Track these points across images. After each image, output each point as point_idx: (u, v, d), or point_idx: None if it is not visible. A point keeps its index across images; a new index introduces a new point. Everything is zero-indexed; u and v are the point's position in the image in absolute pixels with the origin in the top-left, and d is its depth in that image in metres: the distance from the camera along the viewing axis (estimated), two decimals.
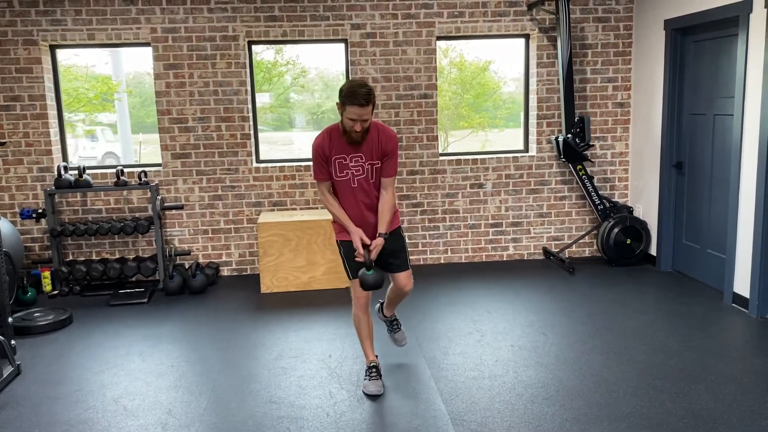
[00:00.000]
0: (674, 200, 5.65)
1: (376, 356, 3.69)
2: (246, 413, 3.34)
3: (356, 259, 3.39)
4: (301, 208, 6.02)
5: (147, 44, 5.71)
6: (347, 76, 6.02)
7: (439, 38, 5.96)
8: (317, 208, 6.01)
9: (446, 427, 3.14)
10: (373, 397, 3.49)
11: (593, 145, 6.09)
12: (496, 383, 3.60)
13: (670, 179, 5.63)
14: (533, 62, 6.08)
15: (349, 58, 5.86)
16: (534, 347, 4.10)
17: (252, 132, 5.94)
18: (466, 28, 5.91)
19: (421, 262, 6.21)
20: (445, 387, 3.57)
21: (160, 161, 5.91)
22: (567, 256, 6.12)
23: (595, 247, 6.33)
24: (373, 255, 3.35)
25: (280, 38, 5.81)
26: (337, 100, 3.21)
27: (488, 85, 8.18)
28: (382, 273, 3.40)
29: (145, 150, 9.15)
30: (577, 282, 5.50)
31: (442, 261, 6.23)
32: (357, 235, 3.39)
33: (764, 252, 4.43)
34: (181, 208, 5.74)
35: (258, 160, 6.03)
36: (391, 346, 4.07)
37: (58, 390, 3.68)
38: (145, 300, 5.27)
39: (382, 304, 3.95)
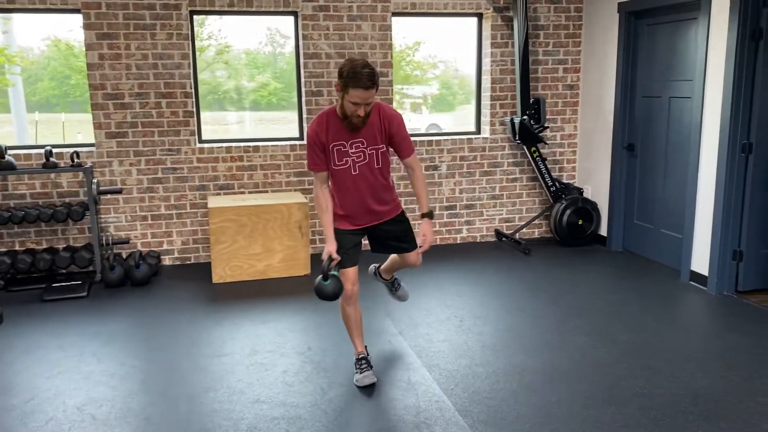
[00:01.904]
0: (625, 181, 5.77)
1: (365, 347, 3.49)
2: (235, 416, 3.05)
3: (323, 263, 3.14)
4: (249, 192, 5.66)
5: (77, 11, 5.13)
6: (297, 52, 5.70)
7: (394, 14, 5.75)
8: (267, 191, 5.68)
9: (455, 418, 3.00)
10: (367, 390, 3.29)
11: (548, 127, 6.11)
12: (490, 370, 3.49)
13: (622, 161, 5.74)
14: (487, 42, 5.99)
15: (301, 32, 5.54)
16: (516, 331, 4.03)
17: (194, 110, 5.50)
18: (422, 5, 5.74)
19: None
20: (441, 377, 3.43)
21: (92, 141, 5.37)
22: (519, 237, 6.13)
23: (545, 228, 6.38)
24: (426, 245, 3.22)
25: (226, 8, 5.40)
26: (336, 81, 2.94)
27: (419, 66, 8.00)
28: (339, 283, 3.14)
29: (48, 131, 8.38)
30: (535, 263, 5.51)
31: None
32: (330, 246, 3.16)
33: (724, 232, 4.58)
34: (119, 192, 5.24)
35: (200, 140, 5.61)
36: (371, 338, 3.87)
37: (7, 400, 3.22)
38: (85, 293, 4.77)
39: (378, 267, 3.73)
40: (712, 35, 4.56)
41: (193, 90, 5.43)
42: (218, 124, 6.03)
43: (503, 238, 6.19)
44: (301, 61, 5.63)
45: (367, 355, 3.46)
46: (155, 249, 5.54)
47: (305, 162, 5.68)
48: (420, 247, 3.29)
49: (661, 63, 5.25)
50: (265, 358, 3.68)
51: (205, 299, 4.71)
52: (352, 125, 3.00)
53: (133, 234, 5.49)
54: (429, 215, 3.26)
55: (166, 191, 5.50)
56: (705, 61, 4.63)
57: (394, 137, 3.14)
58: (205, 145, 5.55)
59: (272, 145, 5.67)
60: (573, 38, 6.12)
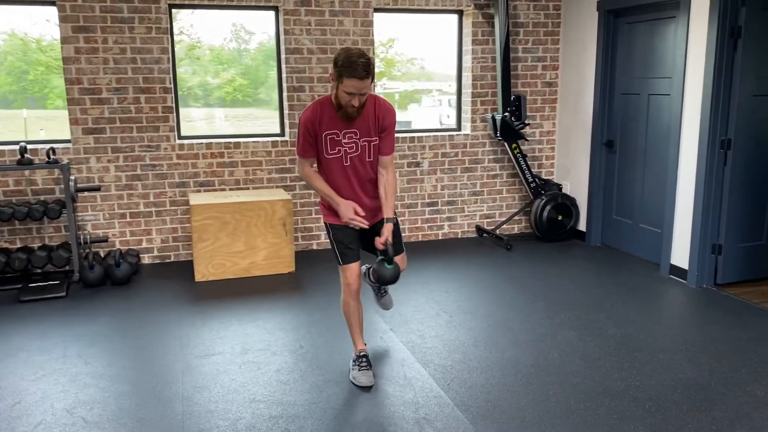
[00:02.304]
0: (604, 178, 5.85)
1: (365, 344, 3.47)
2: (232, 416, 3.00)
3: (379, 248, 3.11)
4: (230, 189, 5.58)
5: (51, 2, 4.99)
6: (278, 47, 5.63)
7: (376, 10, 5.73)
8: (248, 188, 5.61)
9: (455, 414, 3.00)
10: (365, 389, 3.27)
11: (529, 124, 6.16)
12: (484, 364, 3.51)
13: (601, 157, 5.82)
14: (468, 39, 6.02)
15: (283, 27, 5.48)
16: (506, 325, 4.06)
17: (174, 105, 5.40)
18: (404, 1, 5.73)
19: None
20: (436, 372, 3.43)
21: (68, 137, 5.22)
22: (499, 233, 6.17)
23: (524, 224, 6.44)
24: (381, 241, 3.11)
25: (205, 2, 5.31)
26: (331, 71, 2.91)
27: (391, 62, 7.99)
28: (398, 267, 3.18)
29: (6, 128, 8.13)
30: (517, 259, 5.56)
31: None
32: (350, 207, 3.08)
33: (704, 226, 4.68)
34: (98, 189, 5.11)
35: (179, 137, 5.51)
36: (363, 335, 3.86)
37: None
38: (64, 293, 4.65)
39: (369, 268, 3.68)
40: (691, 34, 4.66)
41: (172, 85, 5.33)
42: (185, 121, 5.92)
43: (484, 234, 6.23)
44: (283, 56, 5.57)
45: (367, 353, 3.44)
46: (134, 247, 5.43)
47: (287, 158, 5.64)
48: (377, 244, 3.17)
49: (640, 61, 5.34)
50: (258, 357, 3.64)
51: (190, 298, 4.63)
52: (347, 115, 2.96)
53: (111, 232, 5.36)
54: (392, 221, 3.17)
55: (145, 188, 5.38)
56: (685, 59, 4.72)
57: (384, 131, 3.11)
58: (185, 142, 5.46)
59: (253, 142, 5.60)
60: (552, 36, 6.19)
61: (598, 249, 5.87)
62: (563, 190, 6.24)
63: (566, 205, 6.05)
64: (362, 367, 3.35)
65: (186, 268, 5.35)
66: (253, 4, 5.41)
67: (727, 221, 4.67)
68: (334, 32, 5.59)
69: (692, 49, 4.66)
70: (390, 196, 3.16)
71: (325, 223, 3.29)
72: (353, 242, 3.24)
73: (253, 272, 5.13)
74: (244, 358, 3.63)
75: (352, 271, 3.24)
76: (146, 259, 5.49)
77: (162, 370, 3.48)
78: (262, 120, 5.77)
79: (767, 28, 4.45)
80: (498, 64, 5.83)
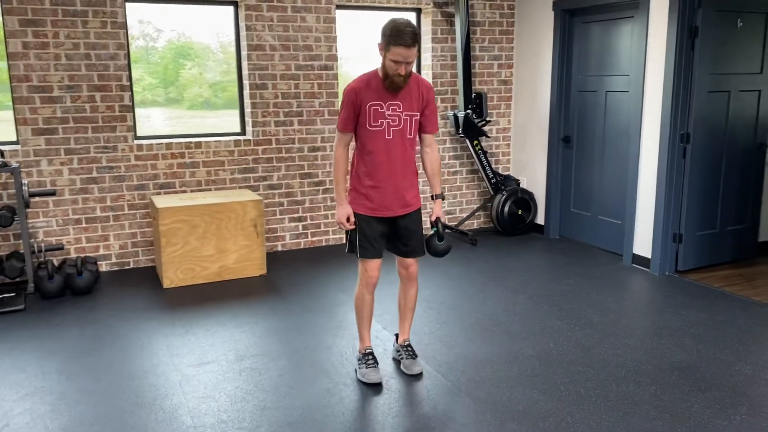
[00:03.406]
0: (561, 172, 6.05)
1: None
2: (248, 425, 2.89)
3: (434, 231, 3.24)
4: (192, 191, 5.37)
5: None
6: (238, 43, 5.47)
7: (338, 7, 5.66)
8: (211, 189, 5.42)
9: (473, 408, 3.01)
10: (375, 386, 3.23)
11: (491, 121, 6.27)
12: (486, 358, 3.54)
13: (558, 152, 6.01)
14: (427, 37, 6.05)
15: (245, 23, 5.32)
16: (495, 319, 4.12)
17: (132, 104, 5.13)
18: None
19: (324, 243, 5.93)
20: (441, 368, 3.43)
21: (14, 138, 4.86)
22: (462, 229, 6.26)
23: (483, 219, 6.56)
24: (433, 219, 3.30)
25: None
26: (379, 41, 2.95)
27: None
28: (449, 241, 3.31)
29: None
30: (484, 253, 5.65)
31: (344, 241, 5.99)
32: (345, 213, 3.14)
33: (666, 216, 4.92)
34: (53, 194, 4.78)
35: (136, 137, 5.24)
36: (352, 334, 3.81)
37: None
38: (22, 306, 4.32)
39: (396, 335, 3.56)
40: (651, 34, 4.88)
41: (129, 83, 5.06)
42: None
43: (446, 230, 6.28)
44: (244, 53, 5.41)
45: (372, 350, 3.41)
46: (91, 254, 5.12)
47: (250, 158, 5.49)
48: (435, 224, 3.30)
49: (597, 59, 5.54)
50: (256, 363, 3.52)
51: (162, 306, 4.42)
52: (394, 84, 2.98)
53: (65, 239, 5.03)
54: (441, 196, 3.31)
55: (101, 192, 5.09)
56: (644, 57, 4.94)
57: (427, 107, 3.15)
58: (144, 142, 5.20)
59: (215, 141, 5.41)
60: (507, 35, 6.32)
61: (557, 241, 6.06)
62: (521, 185, 6.39)
63: (525, 200, 6.20)
64: (369, 364, 3.31)
65: (149, 274, 5.10)
66: None
67: (687, 211, 4.93)
68: (296, 29, 5.49)
69: (652, 49, 4.89)
70: (437, 173, 3.28)
71: (353, 213, 3.20)
72: (378, 239, 3.18)
73: (224, 276, 4.95)
74: (242, 364, 3.50)
75: (373, 264, 3.20)
76: (104, 267, 5.19)
77: (157, 381, 3.30)
78: (174, 120, 5.52)
79: (720, 29, 4.73)
80: (459, 62, 5.90)
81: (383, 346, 3.71)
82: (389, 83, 2.99)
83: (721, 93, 4.86)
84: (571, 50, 5.79)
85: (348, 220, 3.16)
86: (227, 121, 5.62)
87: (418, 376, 3.33)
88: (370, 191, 3.14)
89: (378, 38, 2.99)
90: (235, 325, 4.06)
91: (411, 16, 6.11)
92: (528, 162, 6.38)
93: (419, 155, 3.30)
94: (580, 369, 3.41)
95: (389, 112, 3.04)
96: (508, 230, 6.20)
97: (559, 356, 3.56)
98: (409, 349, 3.44)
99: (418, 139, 3.23)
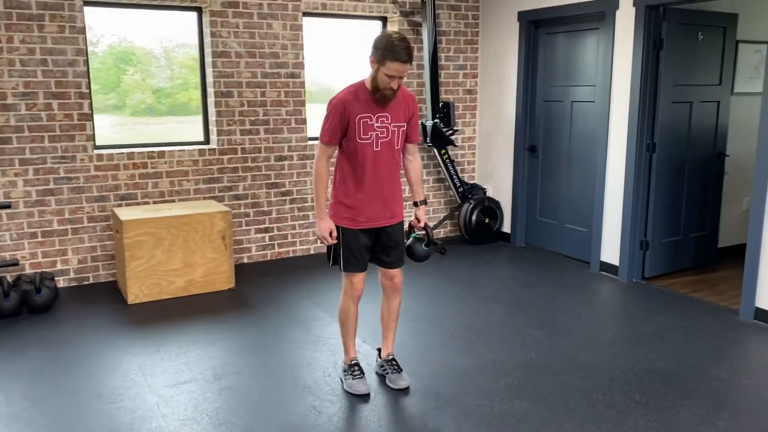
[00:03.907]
0: (527, 181, 6.10)
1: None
2: None
3: (416, 235, 3.22)
4: (155, 202, 5.18)
5: None
6: (201, 50, 5.32)
7: (305, 14, 5.58)
8: (174, 200, 5.24)
9: (465, 422, 2.97)
10: (362, 399, 3.16)
11: (458, 130, 6.28)
12: (470, 370, 3.51)
13: (524, 161, 6.06)
14: None
15: (210, 29, 5.18)
16: (473, 330, 4.09)
17: (92, 112, 4.92)
18: (332, 6, 5.63)
19: (291, 255, 5.81)
20: (428, 380, 3.38)
21: None
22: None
23: (449, 227, 6.56)
24: (420, 225, 3.28)
25: (123, 0, 4.89)
26: (371, 54, 2.89)
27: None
28: (431, 249, 3.30)
29: None
30: (454, 262, 5.64)
31: (312, 251, 5.90)
32: (327, 228, 3.09)
33: (633, 224, 5.02)
34: (7, 207, 4.53)
35: (96, 146, 5.03)
36: (339, 348, 3.73)
37: None
38: None
39: (379, 350, 3.48)
40: (617, 45, 4.98)
41: (89, 90, 4.85)
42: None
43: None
44: (208, 60, 5.27)
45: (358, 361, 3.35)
46: (47, 270, 4.87)
47: (215, 168, 5.34)
48: (415, 226, 3.29)
49: (562, 69, 5.62)
50: (235, 382, 3.39)
51: (128, 323, 4.23)
52: (384, 98, 2.94)
53: (19, 254, 4.77)
54: (424, 202, 3.30)
55: (59, 204, 4.85)
56: (611, 68, 5.03)
57: (412, 117, 3.14)
58: (104, 152, 4.99)
59: (179, 150, 5.24)
60: (471, 44, 6.36)
61: (524, 249, 6.11)
62: (487, 194, 6.42)
63: (492, 208, 6.23)
64: (356, 375, 3.26)
65: (110, 289, 4.89)
66: (176, 4, 5.06)
67: (653, 219, 5.03)
68: (263, 35, 5.38)
69: (618, 60, 4.98)
70: (420, 181, 3.29)
71: (337, 227, 3.12)
72: (363, 251, 3.13)
73: (191, 290, 4.79)
74: (221, 383, 3.37)
75: (359, 277, 3.15)
76: (61, 282, 4.95)
77: (133, 404, 3.14)
78: (117, 128, 5.33)
79: (682, 42, 4.86)
80: (426, 72, 5.89)
81: (365, 360, 3.63)
82: (379, 96, 2.95)
83: (683, 104, 5.00)
84: (536, 60, 5.86)
85: (330, 234, 3.09)
86: (171, 128, 5.44)
87: (405, 391, 3.28)
88: (357, 203, 3.08)
89: (369, 51, 2.93)
90: (209, 341, 3.91)
91: (377, 25, 6.07)
92: (494, 171, 6.42)
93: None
94: (565, 378, 3.41)
95: (378, 124, 3.00)
96: (475, 239, 6.21)
97: (543, 366, 3.56)
98: (394, 363, 3.38)
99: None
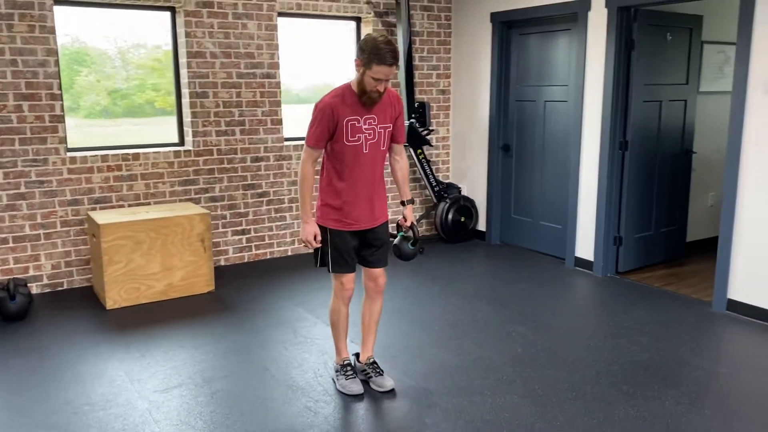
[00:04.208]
0: (502, 180, 6.19)
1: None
2: None
3: (404, 234, 3.25)
4: (129, 205, 5.08)
5: None
6: (175, 50, 5.25)
7: (280, 14, 5.55)
8: (150, 203, 5.15)
9: (466, 417, 3.01)
10: (356, 399, 3.17)
11: (434, 129, 6.33)
12: (459, 366, 3.55)
13: (498, 160, 6.15)
14: None
15: (184, 29, 5.11)
16: (458, 327, 4.14)
17: (64, 114, 4.80)
18: (307, 6, 5.62)
19: (269, 256, 5.77)
20: (418, 379, 3.41)
21: None
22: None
23: (425, 226, 6.61)
24: (408, 224, 3.29)
25: (96, 0, 4.80)
26: (357, 57, 2.88)
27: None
28: (417, 248, 3.31)
29: None
30: (434, 260, 5.69)
31: (289, 253, 5.87)
32: (311, 232, 3.08)
33: (607, 220, 5.14)
34: None
35: (68, 149, 4.91)
36: (327, 349, 3.73)
37: None
38: None
39: (357, 354, 3.47)
40: (589, 46, 5.09)
41: (60, 91, 4.73)
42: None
43: (391, 238, 6.26)
44: (182, 60, 5.20)
45: (351, 361, 3.36)
46: (20, 276, 4.74)
47: (191, 169, 5.27)
48: (402, 225, 3.30)
49: (535, 70, 5.72)
50: (226, 385, 3.36)
51: (110, 328, 4.15)
52: (371, 100, 2.95)
53: None
54: (411, 201, 3.32)
55: (31, 208, 4.72)
56: (584, 68, 5.15)
57: (398, 118, 3.16)
58: (77, 154, 4.88)
59: (153, 152, 5.16)
60: (444, 45, 6.42)
61: (499, 247, 6.19)
62: (461, 193, 6.49)
63: (467, 207, 6.30)
64: (349, 375, 3.28)
65: (86, 295, 4.79)
66: (149, 4, 4.98)
67: (626, 215, 5.17)
68: (237, 35, 5.33)
69: (591, 60, 5.10)
70: (407, 180, 3.31)
71: (321, 227, 3.13)
72: (350, 252, 3.13)
73: (170, 294, 4.72)
74: (211, 387, 3.33)
75: (349, 277, 3.15)
76: (34, 289, 4.82)
77: (123, 411, 3.08)
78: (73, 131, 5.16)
79: (652, 42, 5.00)
80: (402, 72, 5.93)
81: (354, 358, 3.64)
82: (366, 99, 2.95)
83: (654, 102, 5.14)
84: (509, 61, 5.95)
85: (315, 238, 3.09)
86: (128, 130, 5.33)
87: (392, 392, 3.29)
88: (344, 205, 3.09)
89: (355, 54, 2.94)
90: (195, 345, 3.87)
91: (351, 25, 6.08)
92: (468, 170, 6.49)
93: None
94: (552, 372, 3.48)
95: (366, 126, 3.01)
96: (451, 237, 6.27)
97: (530, 361, 3.63)
98: (376, 365, 3.38)
99: None
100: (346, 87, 3.01)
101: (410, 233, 3.33)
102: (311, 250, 3.21)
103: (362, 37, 5.96)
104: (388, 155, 3.24)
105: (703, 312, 4.39)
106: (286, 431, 2.90)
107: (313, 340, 3.93)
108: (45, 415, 3.05)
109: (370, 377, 3.34)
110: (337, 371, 3.31)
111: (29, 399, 3.21)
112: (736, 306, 4.32)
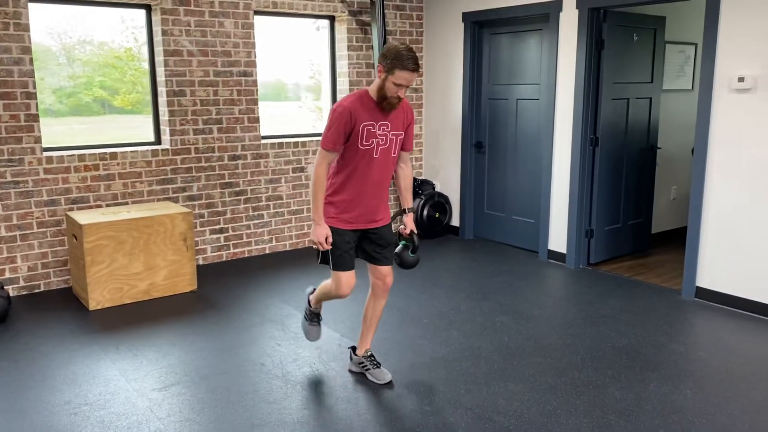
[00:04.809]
0: (475, 176, 6.34)
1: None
2: None
3: (402, 241, 3.28)
4: (108, 205, 5.03)
5: None
6: (151, 48, 5.21)
7: (256, 12, 5.56)
8: (128, 203, 5.11)
9: (473, 410, 3.12)
10: (363, 394, 3.25)
11: None
12: (452, 357, 3.66)
13: (471, 157, 6.30)
14: (343, 45, 6.10)
15: (161, 27, 5.07)
16: (444, 318, 4.25)
17: (38, 112, 4.72)
18: (283, 4, 5.64)
19: (247, 255, 5.78)
20: (414, 370, 3.50)
21: None
22: None
23: (399, 222, 6.70)
24: (407, 232, 3.31)
25: None
26: (379, 63, 2.95)
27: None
28: (418, 256, 3.33)
29: None
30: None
31: (267, 251, 5.89)
32: (324, 233, 3.11)
33: (579, 214, 5.33)
34: None
35: (44, 148, 4.83)
36: (319, 343, 3.79)
37: None
38: None
39: (314, 290, 3.58)
40: (561, 46, 5.27)
41: (35, 90, 4.65)
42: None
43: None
44: (159, 58, 5.17)
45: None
46: None
47: (168, 168, 5.24)
48: (402, 233, 3.35)
49: (507, 68, 5.88)
50: (224, 381, 3.39)
51: (96, 329, 4.11)
52: (390, 105, 3.01)
53: None
54: (412, 210, 3.39)
55: (6, 209, 4.63)
56: (555, 67, 5.32)
57: (409, 126, 3.22)
58: (54, 154, 4.80)
59: (131, 151, 5.11)
60: (416, 44, 6.52)
61: (473, 241, 6.34)
62: (436, 189, 6.61)
63: (442, 203, 6.43)
64: (313, 323, 3.56)
65: (65, 296, 4.72)
66: (124, 1, 4.93)
67: (597, 209, 5.37)
68: (214, 34, 5.32)
69: (562, 59, 5.28)
70: (410, 188, 3.36)
71: (330, 227, 3.18)
72: (351, 250, 3.19)
73: (153, 294, 4.69)
74: (210, 384, 3.36)
75: (348, 277, 3.20)
76: (10, 291, 4.72)
77: (124, 409, 3.08)
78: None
79: (620, 42, 5.21)
80: (377, 71, 5.99)
81: (343, 351, 3.71)
82: (386, 105, 3.01)
83: (621, 100, 5.35)
84: (481, 60, 6.10)
85: (326, 239, 3.12)
86: (75, 128, 5.24)
87: (390, 384, 3.37)
88: (347, 205, 3.14)
89: (378, 61, 3.01)
90: (187, 343, 3.87)
91: (325, 24, 6.13)
92: (441, 167, 6.62)
93: None
94: (541, 360, 3.63)
95: (380, 132, 3.07)
96: (426, 233, 6.39)
97: (518, 350, 3.77)
98: (374, 358, 3.47)
99: None
100: (364, 93, 3.07)
101: (411, 241, 3.33)
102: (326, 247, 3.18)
103: (336, 34, 6.04)
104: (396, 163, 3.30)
105: (674, 299, 4.62)
106: (291, 423, 2.96)
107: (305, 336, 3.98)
108: (44, 416, 3.03)
109: (368, 369, 3.42)
110: (306, 316, 3.54)
111: (25, 401, 3.18)
112: (704, 293, 4.55)
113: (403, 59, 2.90)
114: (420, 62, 6.39)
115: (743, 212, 4.29)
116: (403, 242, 3.34)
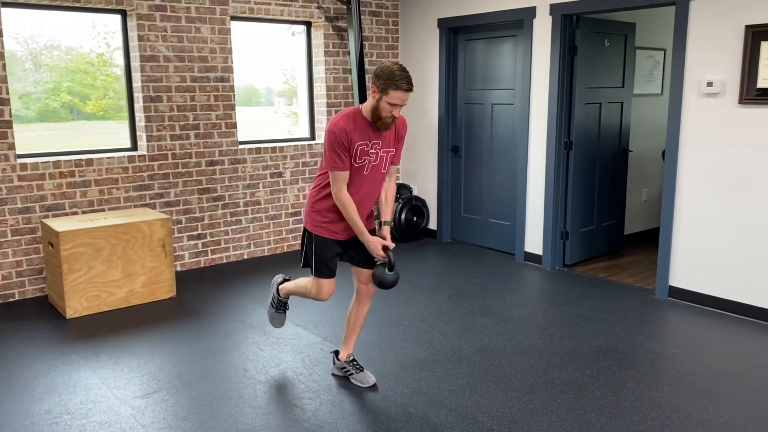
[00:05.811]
0: (451, 180, 6.41)
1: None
2: None
3: (377, 260, 3.18)
4: (84, 212, 4.98)
5: None
6: (127, 54, 5.18)
7: (233, 18, 5.56)
8: (104, 209, 5.06)
9: (466, 414, 3.16)
10: (350, 398, 3.27)
11: None
12: (434, 359, 3.70)
13: (448, 162, 6.36)
14: (320, 50, 6.12)
15: (137, 33, 5.05)
16: (425, 321, 4.29)
17: (11, 119, 4.66)
18: (260, 10, 5.65)
19: (225, 261, 5.75)
20: (397, 372, 3.54)
21: None
22: None
23: (377, 227, 6.73)
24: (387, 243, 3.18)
25: (45, 2, 4.68)
26: (372, 84, 2.94)
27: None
28: (397, 273, 3.21)
29: None
30: None
31: (245, 256, 5.88)
32: (379, 244, 3.13)
33: (554, 216, 5.43)
34: None
35: (18, 155, 4.76)
36: (302, 349, 3.80)
37: None
38: None
39: (285, 279, 3.65)
40: (535, 52, 5.36)
41: (8, 96, 4.59)
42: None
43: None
44: (135, 64, 5.13)
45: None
46: None
47: (146, 174, 5.21)
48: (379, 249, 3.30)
49: (482, 74, 5.97)
50: (207, 387, 3.38)
51: (74, 338, 4.06)
52: (385, 125, 3.01)
53: None
54: (390, 223, 3.35)
55: None
56: (530, 73, 5.42)
57: (399, 141, 3.22)
58: (28, 160, 4.74)
59: (107, 157, 5.07)
60: (392, 50, 6.58)
61: (451, 244, 6.40)
62: (413, 192, 6.66)
63: (419, 207, 6.48)
64: (279, 310, 3.66)
65: (41, 305, 4.66)
66: (101, 6, 4.90)
67: (572, 211, 5.47)
68: (191, 39, 5.31)
69: (536, 65, 5.37)
70: (392, 202, 3.35)
71: (308, 231, 3.21)
72: (333, 259, 3.22)
73: (132, 301, 4.65)
74: (192, 390, 3.35)
75: (329, 284, 3.23)
76: None
77: (106, 417, 3.06)
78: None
79: (592, 48, 5.32)
80: (354, 76, 6.04)
81: (326, 355, 3.73)
82: (381, 124, 3.00)
83: (594, 105, 5.47)
84: (457, 66, 6.17)
85: (383, 245, 3.13)
86: (42, 135, 5.18)
87: (374, 387, 3.40)
88: (336, 218, 3.16)
89: (371, 81, 2.99)
90: (167, 350, 3.85)
91: (301, 29, 6.15)
92: (418, 171, 6.67)
93: None
94: (521, 360, 3.69)
95: (372, 150, 3.08)
96: (404, 236, 6.43)
97: (498, 351, 3.82)
98: (356, 362, 3.50)
99: None
100: (356, 111, 3.04)
101: (387, 258, 3.16)
102: (305, 247, 3.26)
103: (313, 39, 6.07)
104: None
105: (648, 299, 4.72)
106: (277, 427, 2.97)
107: (287, 340, 3.99)
108: (24, 426, 2.99)
109: (351, 374, 3.44)
110: (273, 302, 3.65)
111: (4, 411, 3.14)
112: (677, 292, 4.67)
113: (396, 79, 2.89)
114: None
115: (714, 212, 4.41)
116: (378, 262, 3.24)
